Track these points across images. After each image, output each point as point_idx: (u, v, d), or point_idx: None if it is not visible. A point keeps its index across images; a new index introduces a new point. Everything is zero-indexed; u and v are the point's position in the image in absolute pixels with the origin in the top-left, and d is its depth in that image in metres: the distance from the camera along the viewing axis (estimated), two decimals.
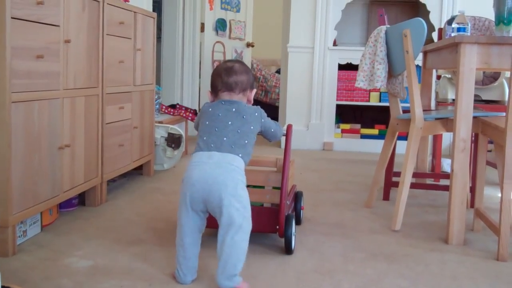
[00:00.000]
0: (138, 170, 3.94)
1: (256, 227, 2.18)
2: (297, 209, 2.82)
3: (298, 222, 2.85)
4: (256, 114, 2.20)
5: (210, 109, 2.19)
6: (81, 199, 3.09)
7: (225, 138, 2.09)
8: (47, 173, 2.49)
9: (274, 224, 2.38)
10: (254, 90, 2.29)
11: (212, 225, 2.18)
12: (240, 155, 2.08)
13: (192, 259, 2.08)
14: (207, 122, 2.16)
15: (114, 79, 3.22)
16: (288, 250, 2.40)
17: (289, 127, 2.45)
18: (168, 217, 2.91)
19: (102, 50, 3.03)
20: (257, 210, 2.36)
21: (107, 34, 3.08)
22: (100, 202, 3.12)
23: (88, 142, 2.92)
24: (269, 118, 2.30)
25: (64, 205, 2.95)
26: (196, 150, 2.12)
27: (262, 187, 2.55)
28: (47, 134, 2.47)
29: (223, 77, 2.19)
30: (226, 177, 2.00)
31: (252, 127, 2.17)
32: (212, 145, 2.08)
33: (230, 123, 2.13)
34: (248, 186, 2.15)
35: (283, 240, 2.40)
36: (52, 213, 2.72)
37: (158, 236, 2.60)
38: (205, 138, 2.11)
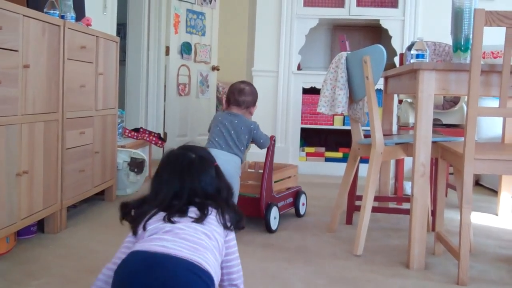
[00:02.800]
0: (100, 196, 3.89)
1: (250, 211, 3.13)
2: (296, 204, 3.61)
3: (298, 215, 3.65)
4: (252, 126, 3.15)
5: (220, 118, 3.15)
6: (41, 226, 3.04)
7: (230, 142, 3.07)
8: (3, 200, 2.44)
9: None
10: (256, 106, 3.27)
11: None
12: (237, 154, 3.08)
13: None
14: (217, 128, 3.12)
15: (75, 104, 3.19)
16: (268, 229, 3.21)
17: (271, 137, 3.29)
18: None
19: (63, 74, 3.00)
20: (251, 200, 3.24)
21: (68, 59, 3.05)
22: (59, 229, 3.07)
23: (47, 168, 2.88)
24: (262, 132, 3.22)
25: (22, 233, 2.89)
26: (207, 145, 3.05)
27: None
28: (4, 160, 2.43)
29: (236, 95, 3.17)
30: (228, 168, 2.69)
31: (246, 137, 3.13)
32: (217, 145, 3.07)
33: (232, 132, 3.10)
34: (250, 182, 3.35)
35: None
36: (10, 241, 2.66)
37: None
38: (215, 138, 3.10)
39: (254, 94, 3.23)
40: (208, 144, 3.09)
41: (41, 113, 2.79)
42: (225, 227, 1.81)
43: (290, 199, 3.56)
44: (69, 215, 3.32)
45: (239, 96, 3.16)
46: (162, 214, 1.75)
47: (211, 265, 1.62)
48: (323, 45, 6.16)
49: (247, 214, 2.89)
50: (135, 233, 1.79)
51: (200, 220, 1.72)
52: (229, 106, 3.20)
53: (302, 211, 3.66)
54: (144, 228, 1.74)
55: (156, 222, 1.73)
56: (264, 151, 3.30)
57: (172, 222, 1.70)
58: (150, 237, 1.68)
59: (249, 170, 3.72)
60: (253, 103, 3.23)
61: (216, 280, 1.64)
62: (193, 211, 1.76)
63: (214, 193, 1.84)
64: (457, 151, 2.47)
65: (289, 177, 3.68)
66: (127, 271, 1.60)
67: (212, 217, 1.78)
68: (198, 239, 1.65)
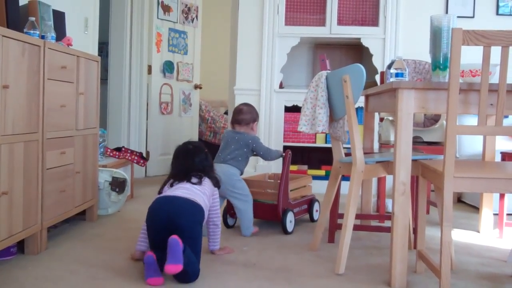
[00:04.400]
0: (81, 215, 3.86)
1: (269, 216, 3.76)
2: (310, 210, 4.10)
3: (312, 220, 4.12)
4: (250, 141, 3.69)
5: (226, 135, 3.78)
6: (21, 247, 3.01)
7: (228, 156, 3.65)
8: None
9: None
10: (256, 123, 3.81)
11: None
12: (235, 166, 3.64)
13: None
14: (222, 144, 3.74)
15: (55, 124, 3.17)
16: (284, 231, 3.68)
17: (287, 152, 3.80)
18: (110, 265, 2.85)
19: (43, 94, 2.99)
20: (270, 206, 3.73)
21: (48, 79, 3.04)
22: (40, 250, 3.04)
23: (27, 188, 2.85)
24: (263, 145, 3.77)
25: (2, 254, 2.86)
26: (214, 161, 3.46)
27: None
28: None
29: (235, 115, 3.76)
30: (226, 178, 3.48)
31: (245, 150, 3.68)
32: (221, 159, 3.66)
33: (233, 147, 3.67)
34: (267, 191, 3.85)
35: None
36: None
37: (98, 286, 2.53)
38: (219, 154, 3.70)
39: (251, 112, 3.78)
40: (215, 159, 3.60)
41: (21, 133, 2.77)
42: (215, 185, 3.03)
43: (305, 206, 4.04)
44: (49, 236, 3.29)
45: (237, 116, 3.75)
46: (170, 181, 2.94)
47: (200, 201, 2.79)
48: (305, 63, 6.19)
49: (267, 218, 3.83)
50: (159, 193, 2.94)
51: (198, 183, 2.90)
52: (233, 126, 3.77)
53: (315, 217, 4.14)
54: (161, 191, 2.93)
55: (167, 187, 2.92)
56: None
57: (173, 185, 2.90)
58: (164, 192, 2.89)
59: (268, 180, 4.27)
60: (252, 120, 3.77)
61: (205, 210, 2.84)
62: (194, 179, 2.92)
63: (202, 168, 2.99)
64: (437, 169, 2.48)
65: (304, 186, 4.16)
66: (156, 205, 2.76)
67: (206, 181, 2.96)
68: (190, 190, 2.83)
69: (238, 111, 3.78)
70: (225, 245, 3.19)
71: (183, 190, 2.80)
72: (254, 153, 3.77)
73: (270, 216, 3.76)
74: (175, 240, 2.45)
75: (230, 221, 3.82)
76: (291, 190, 3.87)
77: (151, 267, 2.52)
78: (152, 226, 2.69)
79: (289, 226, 3.70)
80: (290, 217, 3.72)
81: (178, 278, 2.55)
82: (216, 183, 3.05)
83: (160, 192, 2.92)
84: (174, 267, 2.42)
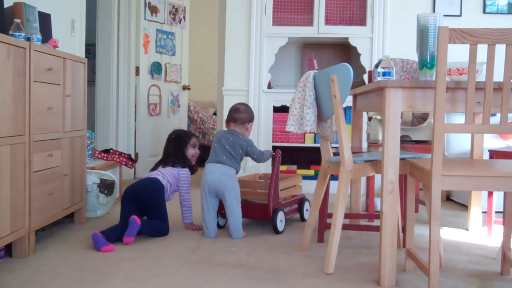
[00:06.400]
0: (70, 218, 3.84)
1: (260, 216, 3.78)
2: (300, 210, 4.14)
3: (302, 219, 4.16)
4: (245, 144, 3.67)
5: (219, 135, 3.73)
6: (9, 251, 2.99)
7: (224, 157, 3.61)
8: None
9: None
10: (251, 123, 3.80)
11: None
12: (232, 166, 3.61)
13: (212, 224, 3.60)
14: (215, 144, 3.68)
15: (42, 126, 3.15)
16: (275, 231, 3.71)
17: (277, 152, 3.86)
18: (98, 268, 2.83)
19: (29, 97, 2.97)
20: (261, 206, 3.76)
21: (34, 81, 3.02)
22: (27, 253, 3.02)
23: (14, 191, 2.83)
24: (256, 148, 3.75)
25: None
26: (208, 161, 3.67)
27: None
28: None
29: (232, 113, 3.75)
30: (224, 179, 3.56)
31: (240, 151, 3.66)
32: (217, 159, 3.61)
33: (227, 147, 3.62)
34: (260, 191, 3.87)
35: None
36: None
37: None
38: (213, 154, 3.65)
39: (248, 112, 3.78)
40: (208, 159, 3.68)
41: (7, 136, 2.75)
42: (174, 166, 3.84)
43: (295, 205, 4.08)
44: (37, 239, 3.27)
45: (234, 114, 3.74)
46: None
47: (162, 178, 3.70)
48: (293, 63, 6.19)
49: (257, 218, 3.86)
50: None
51: (164, 166, 3.85)
52: (228, 123, 3.77)
53: (306, 216, 4.16)
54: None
55: None
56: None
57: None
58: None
59: (259, 180, 4.27)
60: (248, 120, 3.76)
61: (166, 184, 3.71)
62: (162, 162, 3.89)
63: (173, 153, 3.89)
64: (424, 168, 2.48)
65: (294, 186, 4.19)
66: (127, 188, 3.68)
67: (167, 166, 3.83)
68: (158, 171, 3.80)
69: (235, 109, 3.76)
70: (196, 223, 3.83)
71: (152, 172, 3.80)
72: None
73: (260, 215, 3.77)
74: (133, 219, 3.32)
75: (221, 221, 3.82)
76: (281, 190, 3.89)
77: (99, 240, 3.17)
78: (124, 202, 3.59)
79: (280, 225, 3.72)
80: (280, 217, 3.74)
81: (149, 234, 3.50)
82: (175, 164, 3.84)
83: None
84: (127, 239, 3.28)
